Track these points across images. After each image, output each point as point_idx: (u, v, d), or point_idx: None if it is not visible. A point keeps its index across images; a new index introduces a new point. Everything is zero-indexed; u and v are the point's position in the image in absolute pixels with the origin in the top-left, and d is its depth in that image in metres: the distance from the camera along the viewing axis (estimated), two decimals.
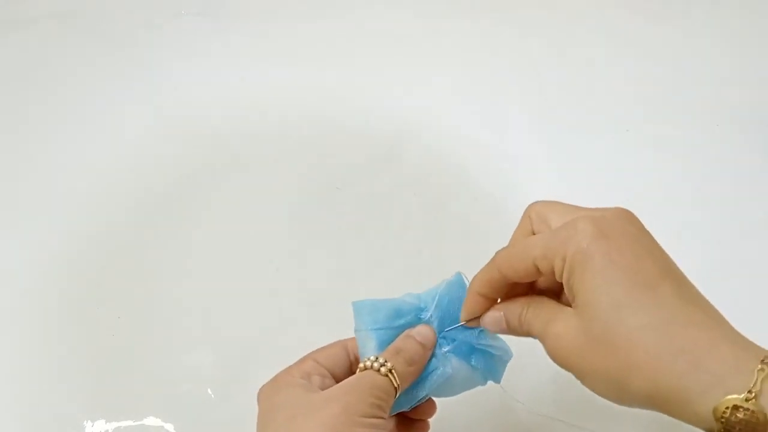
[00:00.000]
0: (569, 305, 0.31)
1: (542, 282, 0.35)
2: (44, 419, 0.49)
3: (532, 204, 0.37)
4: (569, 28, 0.73)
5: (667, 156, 0.63)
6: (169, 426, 0.49)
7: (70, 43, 0.72)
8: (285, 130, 0.65)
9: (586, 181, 0.61)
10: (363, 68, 0.70)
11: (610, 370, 0.28)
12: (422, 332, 0.37)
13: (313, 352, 0.38)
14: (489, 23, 0.73)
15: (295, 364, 0.37)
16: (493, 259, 0.35)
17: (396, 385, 0.34)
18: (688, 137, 0.64)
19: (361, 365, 0.35)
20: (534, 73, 0.69)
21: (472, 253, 0.57)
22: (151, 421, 0.49)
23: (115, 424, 0.49)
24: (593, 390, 0.30)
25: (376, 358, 0.35)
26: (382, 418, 0.33)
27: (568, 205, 0.35)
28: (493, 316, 0.35)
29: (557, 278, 0.31)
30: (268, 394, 0.36)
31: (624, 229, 0.30)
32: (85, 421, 0.49)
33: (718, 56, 0.70)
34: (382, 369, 0.34)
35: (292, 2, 0.76)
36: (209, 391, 0.50)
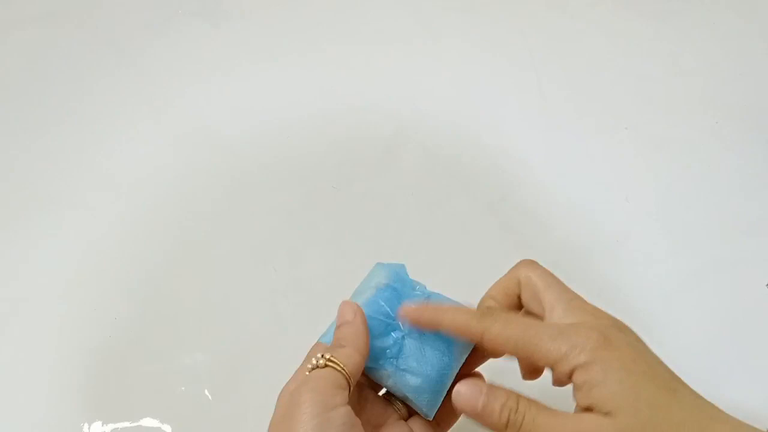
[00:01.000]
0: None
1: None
2: (42, 421, 0.49)
3: (523, 266, 0.38)
4: (569, 27, 0.73)
5: (667, 155, 0.63)
6: (166, 427, 0.49)
7: (69, 44, 0.72)
8: (282, 130, 0.65)
9: (586, 180, 0.61)
10: (361, 68, 0.70)
11: None
12: (344, 313, 0.38)
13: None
14: (488, 23, 0.73)
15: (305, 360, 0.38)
16: (481, 320, 0.35)
17: (340, 369, 0.35)
18: (687, 136, 0.64)
19: (306, 372, 0.36)
20: (533, 72, 0.69)
21: (470, 253, 0.57)
22: (148, 422, 0.49)
23: (112, 426, 0.49)
24: None
25: (314, 357, 0.36)
26: (345, 405, 0.34)
27: (563, 287, 0.36)
28: (470, 390, 0.34)
29: (554, 376, 0.33)
30: (281, 393, 0.37)
31: (627, 340, 0.33)
32: (82, 423, 0.49)
33: (718, 56, 0.70)
34: (320, 362, 0.35)
35: (290, 3, 0.76)
36: (206, 392, 0.50)
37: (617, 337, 0.32)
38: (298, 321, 0.53)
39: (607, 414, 0.31)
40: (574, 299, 0.35)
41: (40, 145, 0.64)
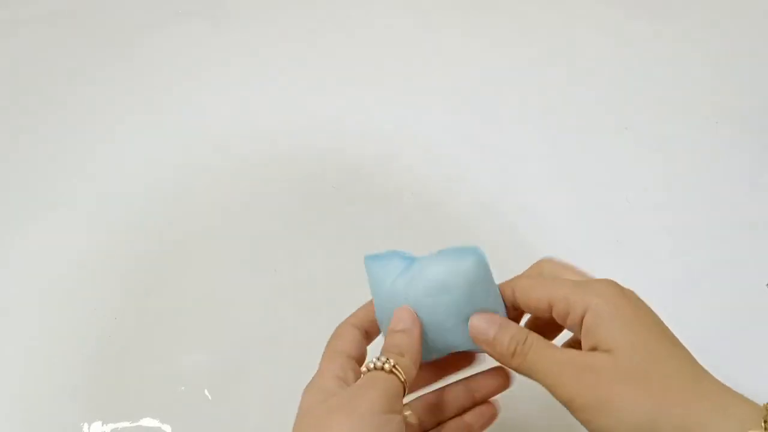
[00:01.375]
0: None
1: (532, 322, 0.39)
2: (41, 421, 0.49)
3: (546, 259, 0.40)
4: (569, 27, 0.73)
5: (667, 155, 0.63)
6: (166, 427, 0.49)
7: (69, 44, 0.72)
8: (282, 130, 0.65)
9: (586, 180, 0.61)
10: (361, 68, 0.70)
11: (640, 404, 0.32)
12: (401, 319, 0.37)
13: (334, 342, 0.39)
14: (489, 23, 0.73)
15: (326, 362, 0.38)
16: (510, 281, 0.38)
17: (402, 380, 0.35)
18: (687, 136, 0.64)
19: (364, 368, 0.35)
20: (533, 72, 0.69)
21: None
22: (148, 422, 0.49)
23: (112, 426, 0.49)
24: (615, 425, 0.33)
25: (378, 359, 0.35)
26: (399, 413, 0.34)
27: (583, 271, 0.39)
28: (484, 320, 0.37)
29: (567, 322, 0.35)
30: (303, 397, 0.37)
31: (639, 300, 0.36)
32: (82, 423, 0.49)
33: (718, 56, 0.70)
34: (386, 366, 0.34)
35: (290, 4, 0.76)
36: (206, 392, 0.50)
37: (631, 294, 0.36)
38: (298, 321, 0.53)
39: (606, 351, 0.33)
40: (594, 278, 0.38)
41: (39, 145, 0.64)
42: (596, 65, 0.70)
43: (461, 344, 0.38)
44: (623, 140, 0.64)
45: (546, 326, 0.38)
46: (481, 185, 0.61)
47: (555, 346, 0.36)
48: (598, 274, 0.55)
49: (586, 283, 0.36)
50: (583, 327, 0.34)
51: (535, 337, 0.36)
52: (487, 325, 0.36)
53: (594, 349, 0.34)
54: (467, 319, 0.37)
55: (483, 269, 0.37)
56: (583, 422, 0.34)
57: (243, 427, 0.49)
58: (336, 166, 0.62)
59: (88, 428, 0.49)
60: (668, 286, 0.55)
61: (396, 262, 0.40)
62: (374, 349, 0.39)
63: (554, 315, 0.36)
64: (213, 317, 0.54)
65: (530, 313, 0.38)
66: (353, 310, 0.52)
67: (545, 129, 0.65)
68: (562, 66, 0.69)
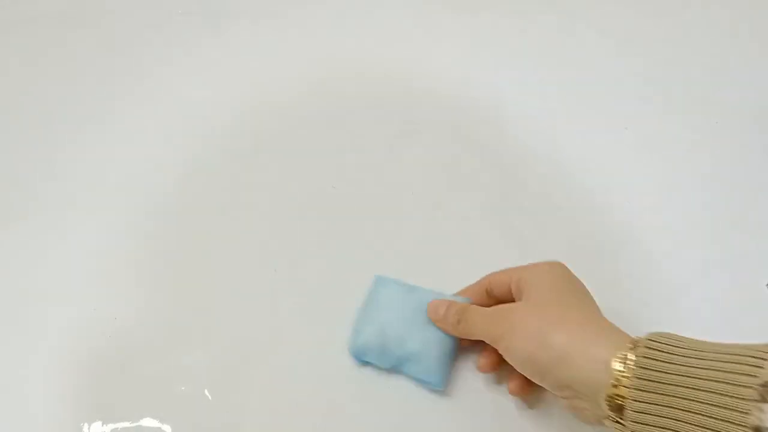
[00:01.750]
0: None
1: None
2: (42, 421, 0.49)
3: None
4: (568, 25, 0.72)
5: (667, 155, 0.63)
6: (166, 427, 0.49)
7: (70, 43, 0.72)
8: (281, 130, 0.65)
9: (586, 180, 0.61)
10: (361, 68, 0.69)
11: (534, 324, 0.43)
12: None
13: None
14: (487, 22, 0.73)
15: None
16: (489, 275, 0.51)
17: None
18: (687, 136, 0.64)
19: None
20: (533, 72, 0.69)
21: (470, 253, 0.57)
22: (148, 422, 0.49)
23: (112, 426, 0.49)
24: (517, 344, 0.44)
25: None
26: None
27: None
28: (436, 303, 0.50)
29: (514, 288, 0.47)
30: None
31: (565, 269, 0.48)
32: (82, 423, 0.49)
33: (718, 55, 0.70)
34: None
35: (290, 2, 0.75)
36: (206, 392, 0.50)
37: (558, 265, 0.47)
38: (298, 321, 0.53)
39: (523, 301, 0.45)
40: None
41: (39, 146, 0.64)
42: (595, 63, 0.69)
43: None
44: (623, 140, 0.64)
45: None
46: (480, 185, 0.61)
47: (486, 308, 0.47)
48: (599, 274, 0.55)
49: (533, 264, 0.48)
50: (513, 291, 0.47)
51: (472, 307, 0.48)
52: (437, 305, 0.49)
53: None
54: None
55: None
56: (502, 352, 0.45)
57: (243, 427, 0.49)
58: (336, 165, 0.62)
59: (88, 428, 0.49)
60: (668, 287, 0.55)
61: (396, 287, 0.52)
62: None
63: (512, 290, 0.47)
64: (213, 317, 0.54)
65: (497, 294, 0.49)
66: (353, 310, 0.52)
67: (545, 129, 0.64)
68: (561, 64, 0.69)
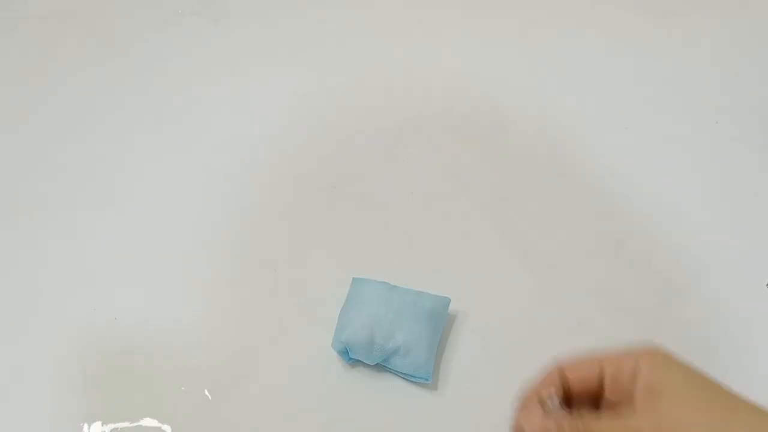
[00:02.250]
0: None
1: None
2: (42, 421, 0.49)
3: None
4: (569, 27, 0.73)
5: (667, 155, 0.63)
6: (166, 427, 0.49)
7: (70, 43, 0.72)
8: (282, 130, 0.65)
9: (585, 180, 0.61)
10: (361, 68, 0.70)
11: None
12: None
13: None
14: (489, 23, 0.73)
15: None
16: (555, 365, 0.38)
17: None
18: (687, 136, 0.64)
19: None
20: (533, 72, 0.69)
21: (469, 253, 0.57)
22: (148, 422, 0.49)
23: (112, 426, 0.49)
24: None
25: None
26: None
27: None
28: (537, 417, 0.37)
29: (612, 389, 0.36)
30: None
31: (679, 361, 0.36)
32: (82, 423, 0.49)
33: (718, 55, 0.70)
34: None
35: (290, 2, 0.76)
36: (206, 392, 0.50)
37: (674, 358, 0.36)
38: (298, 321, 0.53)
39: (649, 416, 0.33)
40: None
41: (39, 145, 0.64)
42: (595, 64, 0.70)
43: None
44: (623, 140, 0.64)
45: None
46: (481, 185, 0.61)
47: (602, 417, 0.36)
48: (599, 274, 0.55)
49: (635, 350, 0.36)
50: (637, 393, 0.35)
51: (587, 418, 0.36)
52: (542, 421, 0.36)
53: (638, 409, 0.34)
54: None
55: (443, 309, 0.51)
56: None
57: (243, 427, 0.49)
58: (336, 166, 0.62)
59: (88, 428, 0.49)
60: (668, 287, 0.55)
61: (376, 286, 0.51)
62: None
63: (606, 379, 0.36)
64: (213, 317, 0.54)
65: (577, 388, 0.37)
66: None
67: (545, 129, 0.65)
68: (561, 65, 0.69)
